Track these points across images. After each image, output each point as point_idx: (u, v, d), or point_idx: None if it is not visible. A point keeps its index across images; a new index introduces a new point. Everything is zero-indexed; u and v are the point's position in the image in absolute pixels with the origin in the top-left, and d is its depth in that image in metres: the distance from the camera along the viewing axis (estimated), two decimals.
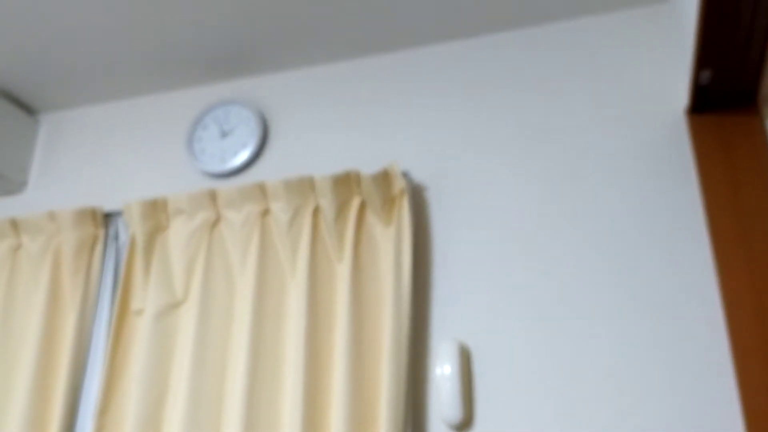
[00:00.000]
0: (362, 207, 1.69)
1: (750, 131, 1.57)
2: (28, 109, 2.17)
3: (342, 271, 1.65)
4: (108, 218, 1.91)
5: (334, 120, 1.91)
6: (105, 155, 2.07)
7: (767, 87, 1.54)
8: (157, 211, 1.81)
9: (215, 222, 1.78)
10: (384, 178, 1.69)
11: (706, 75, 1.50)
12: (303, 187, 1.72)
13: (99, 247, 1.87)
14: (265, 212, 1.75)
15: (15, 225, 1.92)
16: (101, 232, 1.88)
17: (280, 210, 1.72)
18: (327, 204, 1.68)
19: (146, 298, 1.74)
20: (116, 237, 1.91)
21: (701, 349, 1.47)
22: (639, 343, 1.50)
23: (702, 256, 1.54)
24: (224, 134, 1.96)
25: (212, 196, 1.79)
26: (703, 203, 1.55)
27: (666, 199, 1.60)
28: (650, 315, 1.52)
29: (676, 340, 1.49)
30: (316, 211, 1.71)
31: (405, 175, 1.71)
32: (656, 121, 1.68)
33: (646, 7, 1.79)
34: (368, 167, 1.80)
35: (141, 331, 1.71)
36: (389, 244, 1.64)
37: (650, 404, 1.46)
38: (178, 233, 1.79)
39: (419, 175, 1.78)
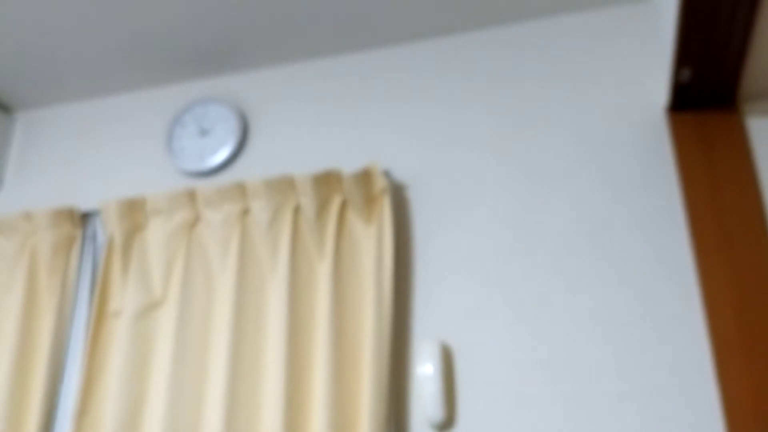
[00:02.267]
0: (343, 206, 1.68)
1: (730, 129, 1.57)
2: (3, 107, 2.14)
3: (323, 270, 1.64)
4: (85, 218, 1.88)
5: (315, 118, 1.90)
6: (82, 154, 2.04)
7: (747, 85, 1.55)
8: (135, 211, 1.79)
9: (194, 221, 1.76)
10: (365, 177, 1.68)
11: (685, 73, 1.50)
12: (283, 186, 1.70)
13: (76, 248, 1.84)
14: (245, 212, 1.73)
15: None
16: (78, 232, 1.86)
17: (260, 209, 1.70)
18: (308, 203, 1.67)
19: (124, 299, 1.72)
20: (94, 237, 1.88)
21: (682, 347, 1.47)
22: (620, 342, 1.51)
23: (682, 254, 1.54)
24: (203, 132, 1.94)
25: (191, 195, 1.77)
26: (684, 201, 1.55)
27: (646, 197, 1.61)
28: (632, 314, 1.52)
29: (656, 339, 1.49)
30: (297, 211, 1.70)
31: (386, 173, 1.71)
32: (636, 119, 1.68)
33: (626, 5, 1.79)
34: (349, 166, 1.79)
35: (119, 333, 1.69)
36: (370, 243, 1.63)
37: (632, 404, 1.46)
38: (156, 233, 1.77)
39: (400, 174, 1.77)
